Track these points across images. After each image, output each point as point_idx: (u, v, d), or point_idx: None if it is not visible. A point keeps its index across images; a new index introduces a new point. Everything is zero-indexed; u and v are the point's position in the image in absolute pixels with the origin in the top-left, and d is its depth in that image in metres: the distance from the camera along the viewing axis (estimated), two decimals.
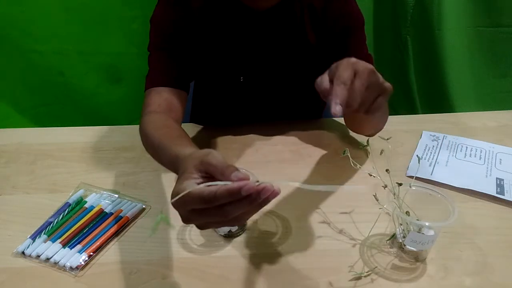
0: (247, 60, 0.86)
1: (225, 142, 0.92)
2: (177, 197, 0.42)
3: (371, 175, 0.61)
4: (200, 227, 0.48)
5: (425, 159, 0.85)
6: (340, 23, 0.81)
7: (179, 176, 0.48)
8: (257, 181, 0.41)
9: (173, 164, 0.56)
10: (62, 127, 1.00)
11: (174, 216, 0.47)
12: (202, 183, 0.44)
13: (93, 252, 0.63)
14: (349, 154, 0.63)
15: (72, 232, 0.66)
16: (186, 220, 0.46)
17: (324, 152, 0.88)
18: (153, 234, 0.58)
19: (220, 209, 0.42)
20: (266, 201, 0.41)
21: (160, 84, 0.79)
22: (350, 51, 0.82)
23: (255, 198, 0.41)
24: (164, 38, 0.80)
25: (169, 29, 0.80)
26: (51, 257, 0.62)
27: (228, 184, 0.42)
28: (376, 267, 0.61)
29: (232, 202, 0.42)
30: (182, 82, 0.82)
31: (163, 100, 0.77)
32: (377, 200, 0.63)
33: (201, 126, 0.99)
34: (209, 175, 0.46)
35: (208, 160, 0.46)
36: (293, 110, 1.00)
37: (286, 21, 0.81)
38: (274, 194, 0.41)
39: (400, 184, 0.60)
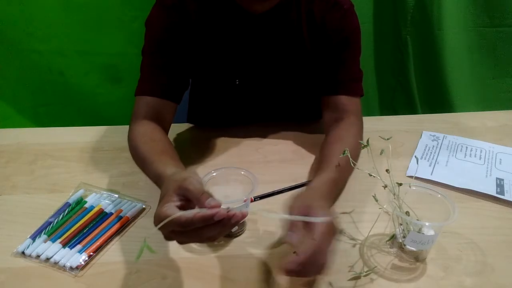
0: (243, 63, 0.86)
1: (225, 142, 0.92)
2: (159, 225, 0.49)
3: (371, 175, 0.61)
4: (181, 243, 0.55)
5: (425, 159, 0.85)
6: (338, 35, 0.82)
7: (160, 198, 0.55)
8: (228, 208, 0.49)
9: (156, 181, 0.64)
10: (62, 127, 1.00)
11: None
12: (181, 205, 0.52)
13: (93, 252, 0.63)
14: (349, 154, 0.63)
15: (72, 232, 0.66)
16: (167, 238, 0.52)
17: None
18: (137, 260, 0.60)
19: (196, 231, 0.49)
20: (236, 223, 0.50)
21: (148, 93, 0.80)
22: (343, 64, 0.84)
23: (226, 222, 0.49)
24: (157, 44, 0.80)
25: (162, 36, 0.79)
26: (51, 257, 0.62)
27: (203, 210, 0.49)
28: (376, 266, 0.61)
29: (206, 226, 0.49)
30: (172, 92, 0.82)
31: (150, 110, 0.79)
32: (377, 200, 0.63)
33: (200, 127, 0.99)
34: (186, 198, 0.52)
35: (185, 186, 0.52)
36: (289, 112, 0.99)
37: (282, 25, 0.81)
38: (242, 217, 0.50)
39: (400, 184, 0.60)
